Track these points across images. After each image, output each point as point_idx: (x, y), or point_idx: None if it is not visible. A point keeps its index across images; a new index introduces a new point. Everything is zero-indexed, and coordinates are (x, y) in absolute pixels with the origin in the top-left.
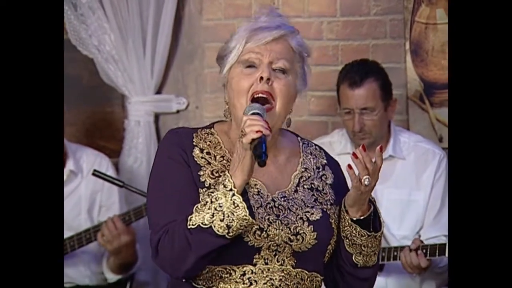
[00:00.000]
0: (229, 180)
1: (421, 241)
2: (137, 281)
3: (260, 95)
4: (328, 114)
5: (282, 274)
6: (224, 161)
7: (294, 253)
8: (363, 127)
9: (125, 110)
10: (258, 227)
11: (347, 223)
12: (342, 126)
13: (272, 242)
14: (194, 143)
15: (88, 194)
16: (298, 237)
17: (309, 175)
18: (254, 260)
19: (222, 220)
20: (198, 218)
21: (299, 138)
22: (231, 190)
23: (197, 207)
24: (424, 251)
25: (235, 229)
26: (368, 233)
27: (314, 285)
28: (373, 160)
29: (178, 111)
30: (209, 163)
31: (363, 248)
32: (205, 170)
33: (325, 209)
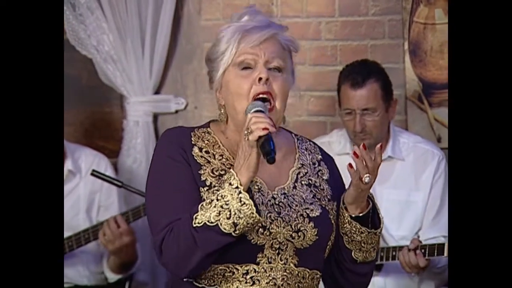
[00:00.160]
0: (234, 178)
1: (420, 241)
2: (136, 281)
3: (261, 96)
4: (326, 114)
5: (285, 273)
6: (224, 160)
7: (296, 250)
8: (364, 128)
9: (123, 110)
10: (260, 225)
11: (347, 220)
12: (341, 126)
13: (275, 240)
14: (192, 142)
15: (87, 194)
16: (299, 233)
17: (306, 171)
18: (258, 259)
19: (228, 218)
20: (204, 216)
21: (293, 135)
22: (237, 188)
23: (202, 205)
24: (422, 251)
25: (241, 227)
26: (368, 230)
27: (314, 283)
28: (373, 158)
29: (176, 111)
30: (209, 162)
31: (362, 244)
32: (206, 169)
33: (324, 205)
